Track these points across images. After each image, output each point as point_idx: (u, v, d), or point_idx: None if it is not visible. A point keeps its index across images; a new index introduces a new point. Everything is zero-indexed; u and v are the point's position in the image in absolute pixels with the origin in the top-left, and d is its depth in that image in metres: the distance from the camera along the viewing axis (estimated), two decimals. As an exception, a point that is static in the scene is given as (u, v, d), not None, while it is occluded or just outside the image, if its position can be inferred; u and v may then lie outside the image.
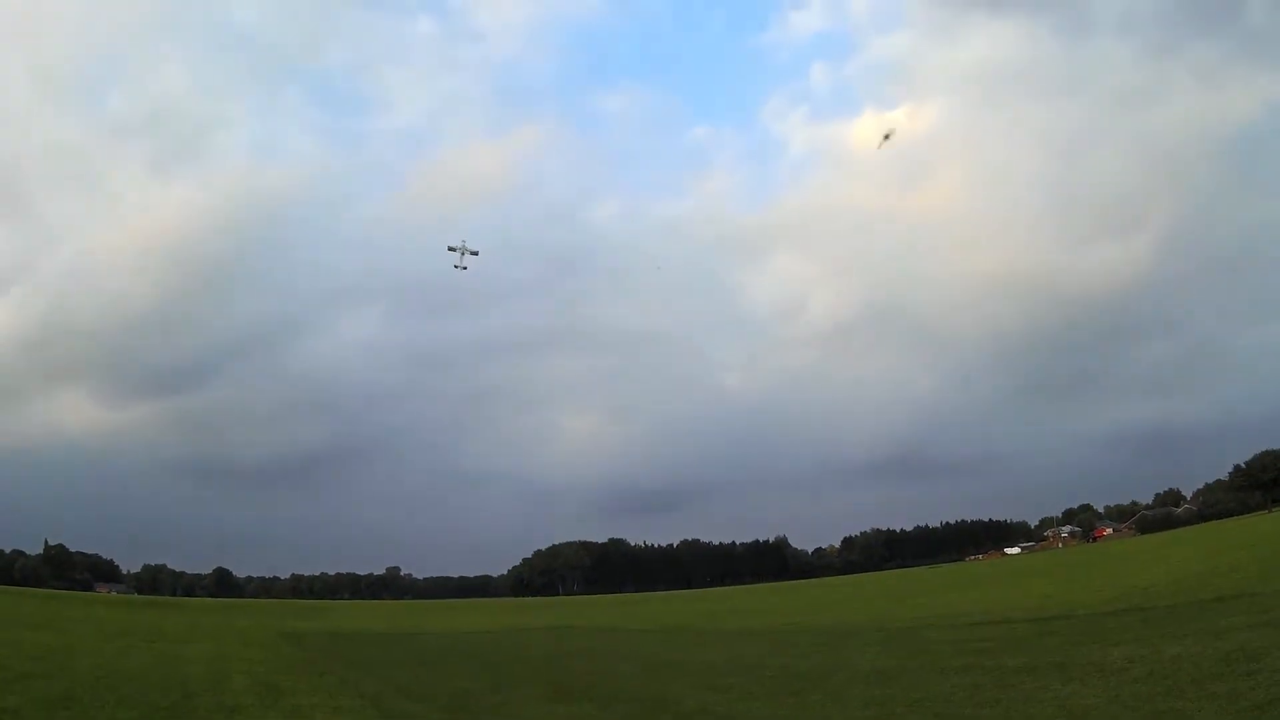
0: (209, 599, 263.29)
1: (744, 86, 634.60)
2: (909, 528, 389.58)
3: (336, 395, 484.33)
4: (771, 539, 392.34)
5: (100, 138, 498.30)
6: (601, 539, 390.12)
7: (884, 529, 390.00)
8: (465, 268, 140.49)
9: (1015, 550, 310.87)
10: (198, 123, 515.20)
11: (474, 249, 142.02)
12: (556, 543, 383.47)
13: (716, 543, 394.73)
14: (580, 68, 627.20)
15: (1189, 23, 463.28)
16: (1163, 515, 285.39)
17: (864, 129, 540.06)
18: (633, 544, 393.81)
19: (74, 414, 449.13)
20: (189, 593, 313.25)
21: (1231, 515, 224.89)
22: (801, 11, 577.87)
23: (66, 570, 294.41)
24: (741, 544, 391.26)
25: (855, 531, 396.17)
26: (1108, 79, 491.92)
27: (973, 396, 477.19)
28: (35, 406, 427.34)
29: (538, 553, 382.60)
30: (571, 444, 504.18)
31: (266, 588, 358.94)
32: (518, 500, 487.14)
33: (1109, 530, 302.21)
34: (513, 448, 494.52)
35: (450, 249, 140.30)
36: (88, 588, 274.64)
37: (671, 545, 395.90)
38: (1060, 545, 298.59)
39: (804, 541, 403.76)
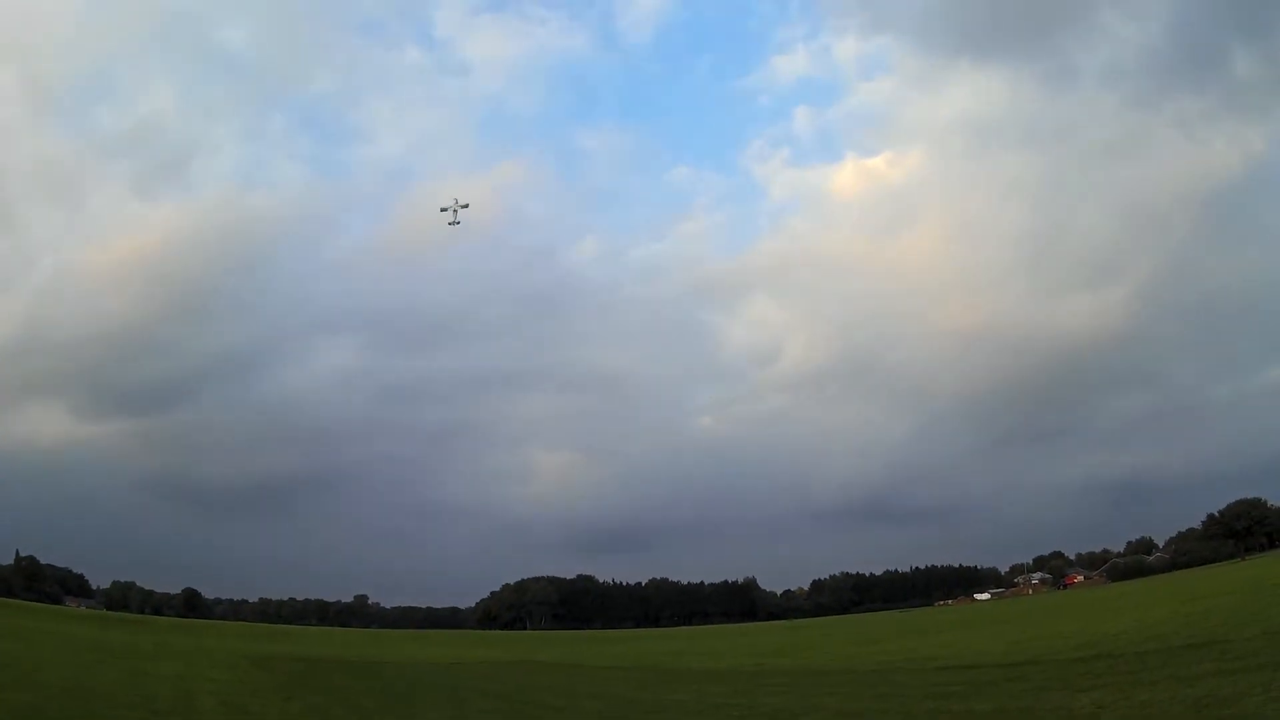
0: (178, 618, 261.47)
1: (726, 129, 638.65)
2: (878, 572, 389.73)
3: (311, 423, 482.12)
4: (740, 580, 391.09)
5: (86, 154, 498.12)
6: (570, 575, 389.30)
7: (853, 573, 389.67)
8: (459, 222, 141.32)
9: (985, 596, 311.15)
10: (183, 144, 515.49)
11: (465, 203, 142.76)
12: (525, 577, 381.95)
13: (685, 582, 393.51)
14: (564, 105, 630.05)
15: (1172, 75, 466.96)
16: (1134, 563, 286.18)
17: (845, 175, 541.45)
18: (601, 581, 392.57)
19: (49, 427, 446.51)
20: (158, 611, 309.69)
21: (1204, 564, 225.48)
22: (786, 56, 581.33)
23: (37, 582, 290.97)
24: (710, 584, 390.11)
25: (824, 575, 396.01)
26: (1090, 130, 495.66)
27: (946, 444, 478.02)
28: (10, 417, 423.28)
29: (506, 586, 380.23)
30: (544, 481, 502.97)
31: (235, 610, 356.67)
32: (488, 534, 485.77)
33: (1080, 577, 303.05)
34: (485, 483, 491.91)
35: (442, 210, 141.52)
36: (57, 601, 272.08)
37: (640, 583, 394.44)
38: (1031, 592, 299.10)
39: (773, 583, 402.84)
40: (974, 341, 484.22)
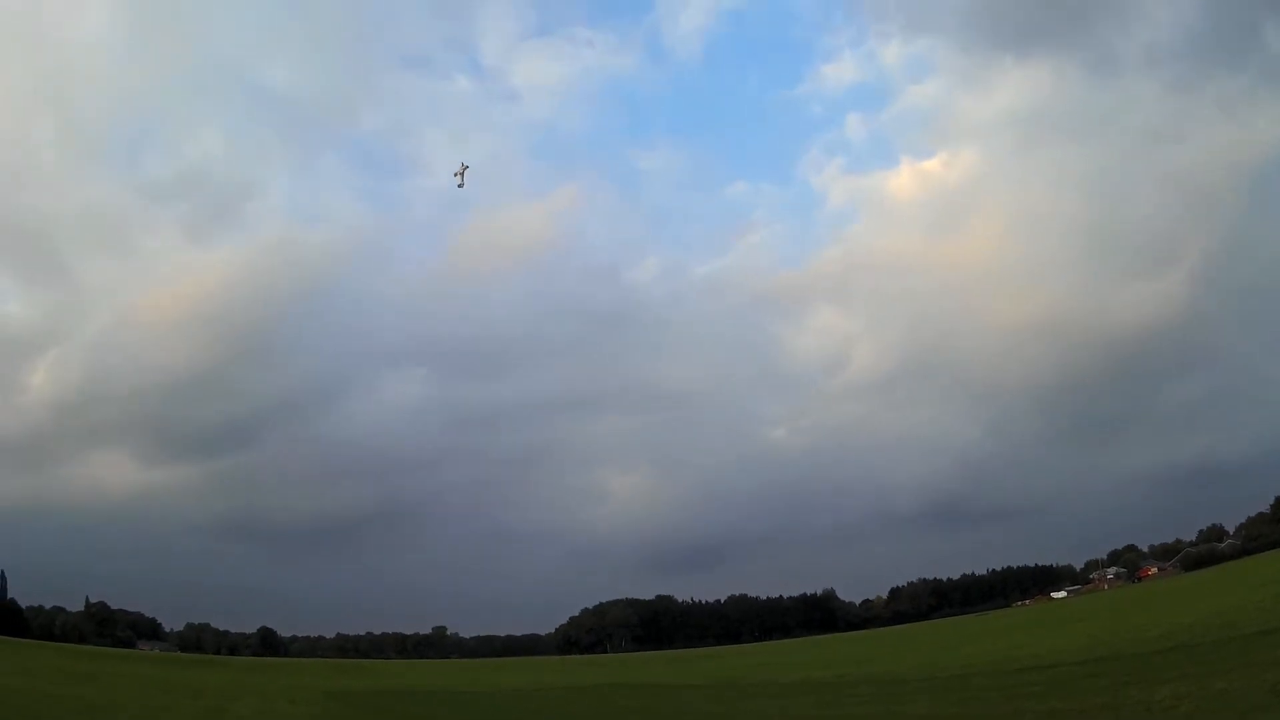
0: (253, 658, 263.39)
1: (780, 140, 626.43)
2: (955, 576, 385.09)
3: (381, 456, 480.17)
4: (819, 592, 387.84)
5: (136, 200, 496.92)
6: (649, 596, 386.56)
7: (930, 578, 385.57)
8: (463, 184, 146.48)
9: (1061, 594, 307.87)
10: (235, 186, 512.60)
11: (466, 164, 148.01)
12: (604, 601, 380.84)
13: (764, 597, 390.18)
14: (616, 126, 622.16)
15: (1210, 55, 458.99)
16: (1206, 551, 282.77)
17: (901, 179, 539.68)
18: (680, 600, 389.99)
19: (115, 474, 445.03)
20: (233, 652, 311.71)
21: (1276, 547, 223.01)
22: (834, 64, 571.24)
23: (108, 628, 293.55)
24: (789, 597, 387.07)
25: (902, 582, 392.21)
26: (1135, 117, 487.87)
27: (1015, 442, 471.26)
28: (76, 467, 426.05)
29: (585, 611, 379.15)
30: (617, 502, 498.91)
31: (311, 647, 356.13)
32: (564, 559, 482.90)
33: (1154, 569, 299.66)
34: (559, 507, 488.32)
35: (454, 175, 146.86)
36: (130, 645, 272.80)
37: (719, 601, 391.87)
38: (1106, 587, 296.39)
39: (851, 593, 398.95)
40: (1037, 335, 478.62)
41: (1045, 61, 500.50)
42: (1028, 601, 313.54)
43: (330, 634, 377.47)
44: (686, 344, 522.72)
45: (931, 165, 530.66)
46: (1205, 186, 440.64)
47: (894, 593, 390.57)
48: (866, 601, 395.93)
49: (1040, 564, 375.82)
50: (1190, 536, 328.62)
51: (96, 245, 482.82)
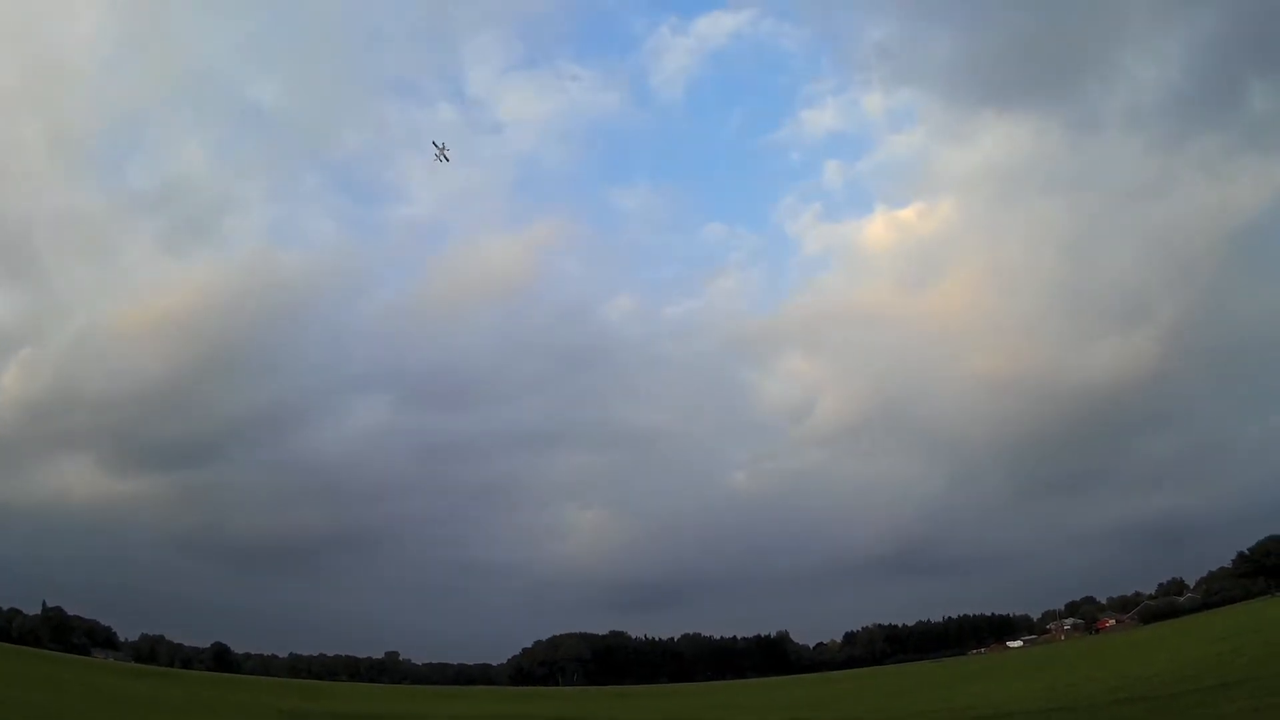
0: (208, 673, 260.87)
1: (758, 184, 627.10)
2: (911, 623, 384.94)
3: (343, 481, 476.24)
4: (773, 634, 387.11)
5: (115, 209, 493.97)
6: (603, 631, 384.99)
7: (885, 624, 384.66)
8: (439, 157, 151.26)
9: (1017, 644, 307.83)
10: (214, 201, 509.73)
11: (447, 148, 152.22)
12: (557, 634, 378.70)
13: (718, 637, 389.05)
14: (597, 163, 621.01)
15: (1193, 115, 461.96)
16: (1166, 605, 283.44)
17: (876, 228, 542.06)
18: (634, 637, 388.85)
19: (79, 480, 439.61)
20: (187, 665, 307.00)
21: (1235, 602, 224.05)
22: (815, 110, 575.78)
23: (64, 633, 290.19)
24: (743, 638, 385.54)
25: (857, 626, 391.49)
26: (1115, 174, 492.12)
27: (977, 493, 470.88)
28: (40, 470, 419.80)
29: (538, 643, 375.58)
30: (577, 538, 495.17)
31: (264, 665, 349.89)
32: (519, 591, 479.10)
33: (1111, 621, 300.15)
34: (517, 540, 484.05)
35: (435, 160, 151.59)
36: (85, 652, 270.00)
37: (673, 639, 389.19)
38: (1063, 637, 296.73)
39: (805, 636, 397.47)
40: (1006, 389, 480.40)
41: (1027, 116, 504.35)
42: (983, 650, 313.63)
43: (283, 653, 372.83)
44: (654, 384, 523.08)
45: (906, 215, 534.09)
46: (1183, 246, 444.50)
47: (848, 637, 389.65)
48: (820, 645, 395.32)
49: (997, 613, 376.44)
50: (1150, 590, 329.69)
51: (74, 250, 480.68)
